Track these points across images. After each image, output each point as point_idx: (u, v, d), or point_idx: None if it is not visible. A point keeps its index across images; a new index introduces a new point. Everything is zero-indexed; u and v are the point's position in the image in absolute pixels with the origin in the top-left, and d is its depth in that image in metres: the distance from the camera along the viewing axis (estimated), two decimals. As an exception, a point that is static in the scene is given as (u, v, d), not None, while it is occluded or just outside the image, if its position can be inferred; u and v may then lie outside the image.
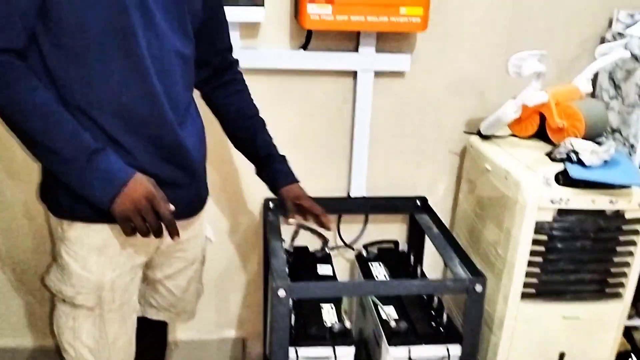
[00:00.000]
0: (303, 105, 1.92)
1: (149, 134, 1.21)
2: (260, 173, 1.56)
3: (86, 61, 1.13)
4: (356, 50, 1.85)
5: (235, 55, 1.53)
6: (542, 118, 1.77)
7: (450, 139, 2.04)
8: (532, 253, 1.61)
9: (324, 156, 1.99)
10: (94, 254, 1.25)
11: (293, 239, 2.09)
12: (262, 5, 1.70)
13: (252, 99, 1.55)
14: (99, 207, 1.15)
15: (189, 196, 1.35)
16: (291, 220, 1.52)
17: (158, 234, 1.17)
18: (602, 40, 1.94)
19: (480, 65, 1.96)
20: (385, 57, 1.86)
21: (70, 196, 1.18)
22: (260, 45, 1.83)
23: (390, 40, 1.87)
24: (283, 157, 1.55)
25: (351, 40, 1.85)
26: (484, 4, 1.89)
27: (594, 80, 1.91)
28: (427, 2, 1.70)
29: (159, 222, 1.17)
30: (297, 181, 1.55)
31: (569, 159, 1.60)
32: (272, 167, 1.53)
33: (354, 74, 1.89)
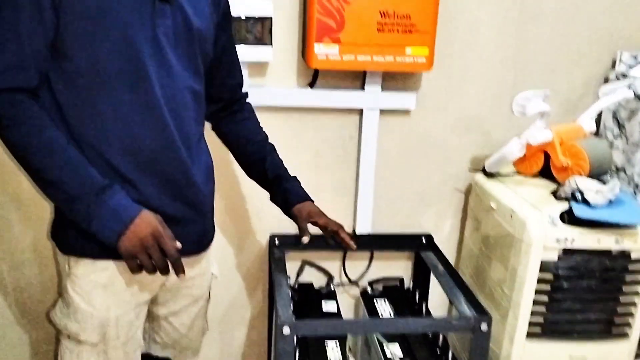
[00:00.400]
0: (309, 142, 1.94)
1: (160, 171, 1.22)
2: (272, 196, 1.54)
3: (98, 99, 1.15)
4: (362, 88, 1.87)
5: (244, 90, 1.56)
6: (547, 156, 1.78)
7: (455, 176, 2.05)
8: (538, 292, 1.60)
9: (330, 193, 2.00)
10: (99, 290, 1.25)
11: (298, 275, 2.08)
12: (270, 44, 1.73)
13: (260, 126, 1.56)
14: (105, 244, 1.15)
15: (196, 233, 1.36)
16: (305, 239, 1.45)
17: (164, 272, 1.18)
18: (606, 80, 1.96)
19: (485, 104, 1.98)
20: (391, 96, 1.89)
21: (78, 233, 1.18)
22: (268, 83, 1.86)
23: (396, 79, 1.89)
24: (294, 177, 1.54)
25: (357, 78, 1.87)
26: (489, 44, 1.92)
27: (598, 119, 1.93)
28: (433, 42, 1.73)
29: (165, 259, 1.17)
30: (309, 199, 1.52)
31: (574, 198, 1.60)
32: (282, 187, 1.51)
33: (360, 112, 1.91)
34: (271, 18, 1.71)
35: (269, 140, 1.56)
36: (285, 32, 1.81)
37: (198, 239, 1.38)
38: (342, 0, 1.65)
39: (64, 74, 1.13)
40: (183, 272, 1.19)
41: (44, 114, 1.11)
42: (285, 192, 1.51)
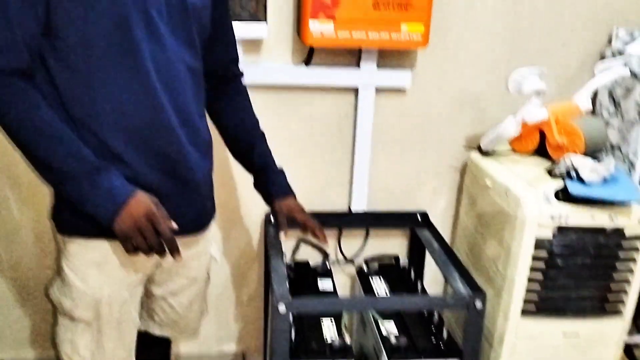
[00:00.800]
0: (304, 121, 1.93)
1: (154, 148, 1.21)
2: (256, 185, 1.54)
3: (91, 76, 1.13)
4: (357, 66, 1.86)
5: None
6: (542, 135, 1.78)
7: (450, 154, 2.05)
8: (532, 269, 1.61)
9: (325, 171, 2.00)
10: (93, 268, 1.25)
11: (294, 253, 2.09)
12: (265, 20, 1.71)
13: (252, 111, 1.54)
14: (99, 223, 1.15)
15: (193, 212, 1.34)
16: (281, 235, 1.49)
17: (160, 253, 1.17)
18: (602, 57, 1.95)
19: (480, 81, 1.97)
20: (386, 73, 1.88)
21: (72, 212, 1.18)
22: (262, 60, 1.84)
23: (392, 56, 1.88)
24: (280, 169, 1.53)
25: (353, 56, 1.86)
26: (485, 21, 1.90)
27: (594, 98, 1.92)
28: (428, 18, 1.72)
29: (160, 240, 1.16)
30: (292, 194, 1.53)
31: (568, 175, 1.61)
32: (266, 179, 1.51)
33: (356, 90, 1.90)
34: (265, -6, 1.70)
35: (260, 126, 1.54)
36: (280, 8, 1.79)
37: (195, 219, 1.37)
38: (337, -23, 1.64)
39: (56, 52, 1.11)
40: (178, 252, 1.19)
41: (37, 95, 1.10)
42: (269, 184, 1.51)
